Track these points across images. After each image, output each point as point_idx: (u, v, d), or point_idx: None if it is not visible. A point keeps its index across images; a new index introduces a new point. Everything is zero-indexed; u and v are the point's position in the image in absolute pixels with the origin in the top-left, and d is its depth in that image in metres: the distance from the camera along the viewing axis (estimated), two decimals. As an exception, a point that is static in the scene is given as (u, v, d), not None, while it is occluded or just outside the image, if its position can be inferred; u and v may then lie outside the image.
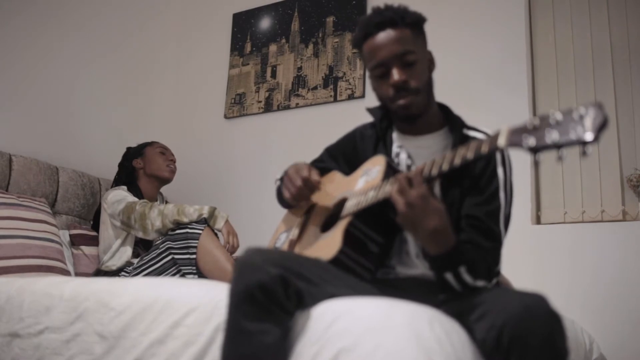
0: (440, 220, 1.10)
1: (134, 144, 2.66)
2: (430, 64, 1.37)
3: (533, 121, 0.93)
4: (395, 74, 1.29)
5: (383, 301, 1.06)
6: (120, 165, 2.61)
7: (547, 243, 2.33)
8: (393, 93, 1.30)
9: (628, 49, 2.42)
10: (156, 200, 2.57)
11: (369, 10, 2.92)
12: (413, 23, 1.33)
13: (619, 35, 2.45)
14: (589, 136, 0.85)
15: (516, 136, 0.94)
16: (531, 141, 0.91)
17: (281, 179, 1.54)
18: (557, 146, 0.88)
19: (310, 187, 1.37)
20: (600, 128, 0.85)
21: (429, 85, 1.35)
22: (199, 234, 2.06)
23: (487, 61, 2.61)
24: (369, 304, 1.06)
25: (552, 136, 0.89)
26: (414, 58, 1.30)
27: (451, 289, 1.18)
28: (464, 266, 1.15)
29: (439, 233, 1.11)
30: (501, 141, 0.97)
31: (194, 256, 2.04)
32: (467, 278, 1.16)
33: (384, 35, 1.31)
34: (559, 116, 0.89)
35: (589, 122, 0.85)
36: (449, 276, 1.16)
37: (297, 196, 1.38)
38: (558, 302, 1.03)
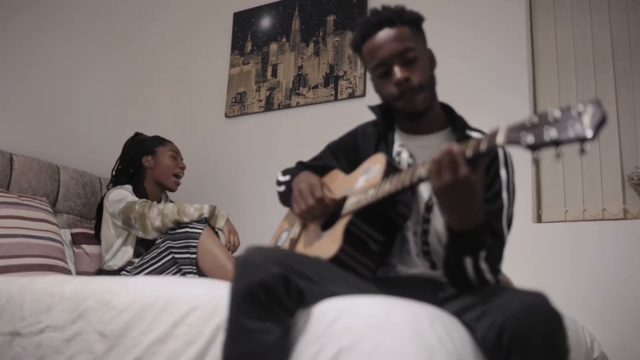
0: (478, 193, 1.08)
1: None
2: (431, 61, 1.37)
3: (531, 119, 0.92)
4: (397, 72, 1.29)
5: (384, 300, 1.06)
6: (128, 154, 2.51)
7: (547, 241, 2.33)
8: (397, 91, 1.30)
9: (629, 48, 2.42)
10: (160, 200, 2.55)
11: (369, 9, 2.92)
12: (411, 21, 1.33)
13: (619, 34, 2.44)
14: (587, 133, 0.84)
15: (514, 134, 0.93)
16: (529, 139, 0.90)
17: (286, 183, 1.54)
18: (556, 144, 0.88)
19: (322, 207, 1.35)
20: (599, 125, 0.84)
21: (431, 82, 1.35)
22: (199, 233, 2.06)
23: (488, 61, 2.61)
24: (370, 303, 1.06)
25: (551, 134, 0.88)
26: (415, 55, 1.30)
27: (462, 280, 1.16)
28: (484, 251, 1.14)
29: (473, 207, 1.09)
30: (499, 139, 0.96)
31: (194, 255, 2.04)
32: (483, 266, 1.14)
33: (383, 34, 1.31)
34: (557, 113, 0.89)
35: (587, 119, 0.85)
36: (467, 261, 1.13)
37: (307, 215, 1.37)
38: (559, 301, 1.02)
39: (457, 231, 1.12)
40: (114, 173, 2.54)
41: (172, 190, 2.54)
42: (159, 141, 2.54)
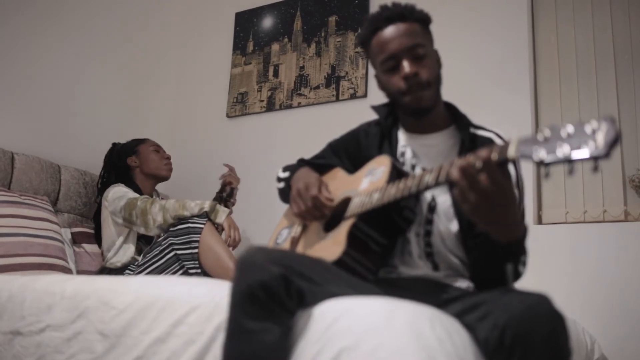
0: (514, 205, 1.04)
1: (134, 143, 2.64)
2: (437, 61, 1.38)
3: (544, 132, 0.91)
4: (407, 66, 1.29)
5: (384, 300, 1.06)
6: (109, 162, 2.58)
7: (548, 243, 2.32)
8: (404, 86, 1.30)
9: (631, 49, 2.42)
10: (152, 196, 2.57)
11: (371, 10, 2.93)
12: (421, 19, 1.34)
13: (621, 36, 2.44)
14: (602, 152, 0.83)
15: (526, 147, 0.93)
16: (542, 154, 0.90)
17: (285, 180, 1.54)
18: (569, 161, 0.87)
19: (321, 208, 1.35)
20: (613, 144, 0.83)
21: (438, 80, 1.35)
22: (201, 228, 2.07)
23: (490, 61, 2.61)
24: (370, 303, 1.05)
25: (564, 150, 0.87)
26: (424, 52, 1.30)
27: (495, 284, 1.16)
28: (524, 255, 1.15)
29: (514, 219, 1.07)
30: (511, 151, 0.96)
31: (196, 250, 2.04)
32: (521, 269, 1.16)
33: (394, 29, 1.31)
34: (570, 129, 0.88)
35: (601, 137, 0.84)
36: (509, 268, 1.14)
37: (306, 215, 1.37)
38: (559, 302, 1.02)
39: (502, 242, 1.10)
40: (99, 186, 2.57)
41: (167, 177, 2.59)
42: (138, 141, 2.61)
